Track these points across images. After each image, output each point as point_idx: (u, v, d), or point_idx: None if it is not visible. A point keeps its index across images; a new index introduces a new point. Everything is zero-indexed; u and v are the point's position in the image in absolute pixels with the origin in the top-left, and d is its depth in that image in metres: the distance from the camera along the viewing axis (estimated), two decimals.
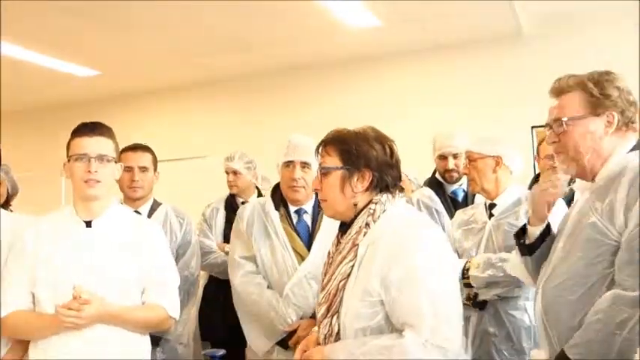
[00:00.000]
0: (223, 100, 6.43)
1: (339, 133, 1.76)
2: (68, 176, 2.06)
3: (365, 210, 1.69)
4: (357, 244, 1.66)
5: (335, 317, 1.64)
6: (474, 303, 2.46)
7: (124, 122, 5.89)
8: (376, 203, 1.69)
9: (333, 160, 1.72)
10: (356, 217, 1.70)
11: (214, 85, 6.36)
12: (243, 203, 3.55)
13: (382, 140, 1.74)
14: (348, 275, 1.64)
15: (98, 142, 2.03)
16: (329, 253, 1.80)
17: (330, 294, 1.66)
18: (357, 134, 1.73)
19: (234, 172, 3.74)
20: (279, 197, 2.59)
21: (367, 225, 1.67)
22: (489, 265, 2.40)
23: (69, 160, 2.03)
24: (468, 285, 2.45)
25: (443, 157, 3.28)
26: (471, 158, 2.59)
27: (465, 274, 2.45)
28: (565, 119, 1.68)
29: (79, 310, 1.85)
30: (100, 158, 2.01)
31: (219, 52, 5.44)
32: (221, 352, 1.37)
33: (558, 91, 1.73)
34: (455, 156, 3.25)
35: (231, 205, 3.68)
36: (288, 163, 2.51)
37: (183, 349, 2.83)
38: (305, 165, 2.50)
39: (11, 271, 2.03)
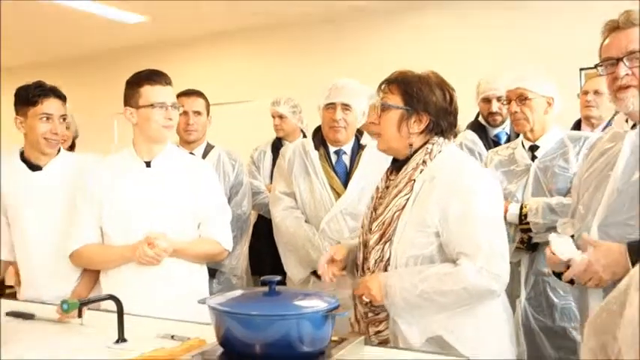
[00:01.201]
0: (268, 46, 6.45)
1: (403, 74, 1.82)
2: (135, 121, 2.19)
3: (422, 149, 1.78)
4: (414, 180, 1.75)
5: (387, 244, 1.74)
6: (527, 245, 2.43)
7: (173, 67, 5.98)
8: (433, 144, 1.78)
9: (395, 99, 1.79)
10: (412, 155, 1.79)
11: (260, 30, 6.36)
12: None
13: (443, 86, 1.80)
14: (403, 207, 1.74)
15: (170, 91, 2.20)
16: (377, 188, 1.90)
17: (384, 223, 1.76)
18: (420, 78, 1.80)
19: (280, 116, 3.85)
20: (319, 138, 2.68)
21: (424, 162, 1.76)
22: (550, 211, 2.33)
23: (140, 107, 2.16)
24: (525, 230, 2.41)
25: (486, 100, 3.25)
26: (524, 96, 2.47)
27: (522, 219, 2.39)
28: None
29: (158, 255, 2.05)
30: (174, 106, 2.19)
31: None
32: (277, 278, 1.51)
33: (627, 23, 1.67)
34: (498, 99, 3.20)
35: (278, 148, 3.74)
36: (330, 105, 2.58)
37: (237, 280, 3.00)
38: (346, 107, 2.56)
39: (79, 208, 2.22)
